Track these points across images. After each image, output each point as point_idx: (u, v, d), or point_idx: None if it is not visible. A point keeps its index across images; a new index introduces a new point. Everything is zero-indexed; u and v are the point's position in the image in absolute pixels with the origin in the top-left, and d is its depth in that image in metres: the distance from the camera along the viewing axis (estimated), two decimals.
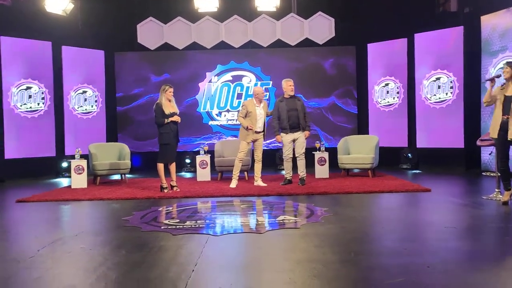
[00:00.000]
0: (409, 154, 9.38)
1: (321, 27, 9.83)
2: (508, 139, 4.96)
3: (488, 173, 7.91)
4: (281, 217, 4.72)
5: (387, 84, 9.95)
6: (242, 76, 10.38)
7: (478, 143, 6.14)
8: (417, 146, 9.41)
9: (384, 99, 10.00)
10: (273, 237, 3.99)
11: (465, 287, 2.69)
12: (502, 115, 5.02)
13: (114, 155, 8.35)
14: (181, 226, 4.34)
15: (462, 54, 8.82)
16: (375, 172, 8.05)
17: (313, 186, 6.81)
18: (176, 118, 6.53)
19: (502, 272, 2.96)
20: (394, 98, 9.86)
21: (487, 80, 5.38)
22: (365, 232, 4.19)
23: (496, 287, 2.71)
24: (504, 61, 7.73)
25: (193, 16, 9.68)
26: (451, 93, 8.97)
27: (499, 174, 5.40)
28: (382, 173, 8.24)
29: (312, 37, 9.86)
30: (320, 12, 9.80)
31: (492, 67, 8.11)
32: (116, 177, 8.60)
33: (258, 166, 7.07)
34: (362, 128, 10.23)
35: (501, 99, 5.05)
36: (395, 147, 9.65)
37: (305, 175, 7.03)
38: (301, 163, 7.00)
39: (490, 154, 7.50)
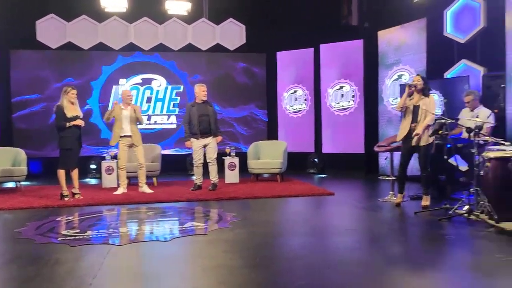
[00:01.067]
0: (316, 159, 9.79)
1: (232, 33, 9.92)
2: (419, 145, 5.36)
3: (384, 177, 8.51)
4: (189, 224, 4.65)
5: (295, 91, 10.31)
6: (152, 79, 10.11)
7: (375, 149, 6.58)
8: (323, 152, 9.86)
9: (293, 105, 10.35)
10: (180, 244, 3.91)
11: (365, 286, 2.85)
12: (411, 123, 5.43)
13: (8, 161, 7.63)
14: (81, 237, 4.08)
15: (362, 66, 9.43)
16: (283, 177, 8.27)
17: (223, 192, 6.81)
18: (79, 122, 6.15)
19: (397, 271, 3.19)
20: (302, 105, 10.24)
21: (407, 85, 5.64)
22: (272, 236, 4.27)
23: (393, 285, 2.91)
24: (400, 73, 8.46)
25: (100, 16, 9.21)
26: (353, 101, 9.55)
27: (394, 178, 5.81)
28: (290, 178, 8.49)
29: (224, 42, 9.90)
30: (231, 19, 9.88)
31: (388, 78, 8.78)
32: (10, 185, 7.87)
33: (141, 172, 6.93)
34: (271, 133, 10.48)
35: (410, 109, 5.46)
36: (303, 152, 10.01)
37: (217, 180, 7.02)
38: (213, 168, 6.99)
39: (386, 159, 8.08)
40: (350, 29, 9.93)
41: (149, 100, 10.06)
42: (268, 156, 8.42)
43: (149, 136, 9.65)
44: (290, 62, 10.35)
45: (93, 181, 8.72)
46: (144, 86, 10.07)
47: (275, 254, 3.57)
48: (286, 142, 8.81)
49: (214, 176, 6.99)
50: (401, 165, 5.55)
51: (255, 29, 9.89)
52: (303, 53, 10.19)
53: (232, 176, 7.98)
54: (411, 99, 5.47)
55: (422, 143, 5.29)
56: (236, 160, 8.02)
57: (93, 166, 9.19)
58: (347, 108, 9.63)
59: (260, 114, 10.57)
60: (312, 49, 10.06)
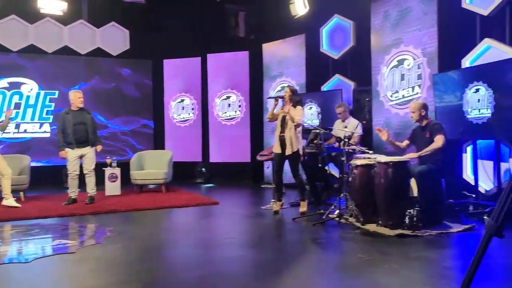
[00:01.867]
0: (203, 169, 9.78)
1: (115, 38, 9.51)
2: (286, 154, 5.58)
3: (267, 185, 8.79)
4: (56, 242, 4.28)
5: (182, 100, 10.21)
6: (21, 83, 9.20)
7: (258, 157, 6.78)
8: (211, 161, 9.88)
9: (180, 114, 10.23)
10: (42, 265, 3.56)
11: None
12: (280, 133, 5.65)
13: None
14: None
15: (248, 76, 9.69)
16: (169, 187, 8.10)
17: (101, 205, 6.43)
18: None
19: (268, 277, 3.27)
20: (189, 114, 10.17)
21: (269, 98, 5.90)
22: (149, 249, 4.10)
23: None
24: (283, 85, 8.84)
25: None
26: (240, 111, 9.75)
27: (274, 186, 6.00)
28: (176, 188, 8.35)
29: (105, 47, 9.45)
30: (113, 22, 9.48)
31: (272, 90, 9.13)
32: None
33: (6, 183, 6.35)
34: (158, 143, 10.23)
35: (280, 118, 5.69)
36: (190, 162, 9.93)
37: (94, 193, 6.61)
38: (90, 180, 6.58)
39: (268, 168, 8.38)
40: (237, 41, 10.17)
41: (17, 106, 9.13)
42: (152, 166, 8.19)
43: (17, 146, 8.79)
44: (177, 71, 10.23)
45: None
46: (12, 91, 9.11)
47: (149, 269, 3.44)
48: (172, 151, 8.65)
49: (91, 189, 6.58)
50: (276, 173, 5.77)
51: (140, 35, 9.61)
52: (190, 62, 10.14)
53: (113, 188, 7.58)
54: (282, 109, 5.72)
55: (288, 152, 5.54)
56: (117, 171, 7.64)
57: None
58: (234, 117, 9.79)
59: (147, 123, 10.25)
60: (199, 58, 10.07)
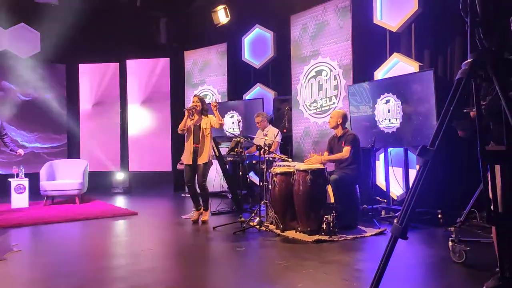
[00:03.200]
0: (122, 178, 9.38)
1: (25, 39, 8.86)
2: (199, 163, 5.49)
3: (188, 194, 8.63)
4: None
5: (100, 107, 9.75)
6: None
7: (178, 166, 6.64)
8: (130, 170, 9.52)
9: (98, 121, 9.75)
10: None
11: None
12: (193, 144, 5.53)
13: None
14: None
15: (168, 84, 9.50)
16: (83, 198, 7.66)
17: (6, 218, 5.90)
18: None
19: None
20: (108, 120, 9.73)
21: (184, 109, 5.73)
22: (57, 266, 3.80)
23: None
24: (205, 93, 8.77)
25: None
26: (161, 119, 9.50)
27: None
28: (93, 199, 7.91)
29: (13, 49, 8.76)
30: (23, 24, 8.82)
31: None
32: None
33: None
34: (73, 152, 9.65)
35: (192, 129, 5.57)
36: (109, 171, 9.51)
37: None
38: None
39: None
40: (158, 47, 9.93)
41: None
42: (66, 176, 7.69)
43: None
44: (94, 76, 9.77)
45: None
46: None
47: (55, 286, 3.18)
48: (88, 160, 8.20)
49: None
50: (187, 184, 5.67)
51: (53, 37, 9.02)
52: (108, 67, 9.73)
53: (20, 200, 7.00)
54: (192, 119, 5.61)
55: (202, 161, 5.49)
56: (25, 182, 7.07)
57: None
58: (155, 125, 9.53)
59: (59, 130, 9.62)
60: (117, 64, 9.70)
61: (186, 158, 5.58)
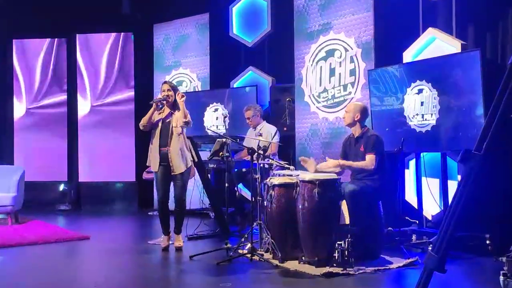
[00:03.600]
0: (68, 191, 9.41)
1: None
2: (175, 173, 5.47)
3: (155, 212, 8.62)
4: None
5: (41, 97, 9.80)
6: None
7: (144, 175, 6.63)
8: (80, 180, 9.51)
9: (37, 116, 9.77)
10: None
11: None
12: (161, 146, 5.49)
13: None
14: None
15: (132, 67, 9.50)
16: (18, 218, 7.62)
17: None
18: None
19: None
20: (51, 115, 9.76)
21: (152, 102, 5.62)
22: None
23: None
24: (181, 79, 8.76)
25: None
26: (123, 113, 9.51)
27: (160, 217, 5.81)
28: (30, 218, 7.89)
29: None
30: None
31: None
32: None
33: None
34: (2, 155, 9.62)
35: (159, 126, 5.50)
36: (52, 181, 9.51)
37: None
38: None
39: None
40: (118, 18, 9.87)
41: None
42: None
43: None
44: (33, 56, 9.76)
45: None
46: None
47: None
48: (24, 167, 8.17)
49: None
50: (160, 200, 5.63)
51: None
52: (51, 44, 9.74)
53: None
54: (160, 113, 5.55)
55: (179, 170, 5.46)
56: None
57: None
58: (115, 122, 9.53)
59: None
60: (64, 40, 9.71)
61: (153, 164, 5.56)
